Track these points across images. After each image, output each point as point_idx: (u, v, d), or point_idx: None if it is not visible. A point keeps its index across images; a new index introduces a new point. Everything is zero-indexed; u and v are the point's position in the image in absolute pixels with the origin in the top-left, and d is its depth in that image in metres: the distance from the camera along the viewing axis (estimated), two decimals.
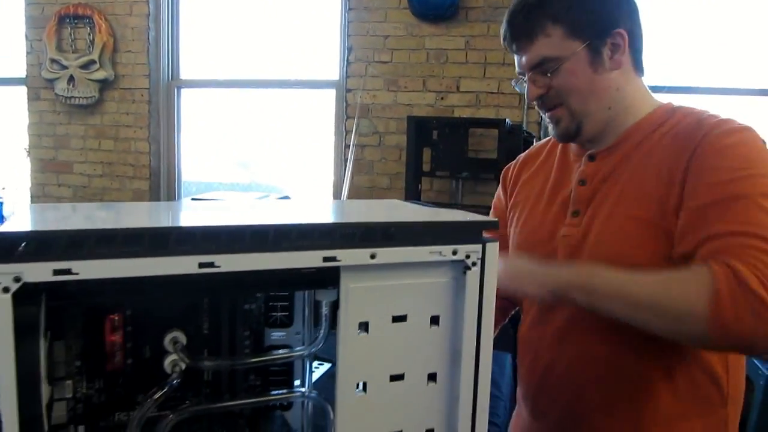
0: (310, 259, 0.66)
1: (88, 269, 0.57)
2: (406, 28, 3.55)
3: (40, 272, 0.56)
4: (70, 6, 3.98)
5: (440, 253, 0.71)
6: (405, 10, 3.49)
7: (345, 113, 3.73)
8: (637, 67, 1.10)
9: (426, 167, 3.39)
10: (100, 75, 3.98)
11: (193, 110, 4.20)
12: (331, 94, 3.83)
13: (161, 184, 4.21)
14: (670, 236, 0.96)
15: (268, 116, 4.11)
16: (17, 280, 0.55)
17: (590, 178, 1.09)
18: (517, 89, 1.13)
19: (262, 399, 0.83)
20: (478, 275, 0.74)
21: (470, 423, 0.78)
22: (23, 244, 0.56)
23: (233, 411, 0.87)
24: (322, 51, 3.86)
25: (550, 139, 1.27)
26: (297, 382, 0.90)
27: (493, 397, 1.62)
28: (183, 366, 0.75)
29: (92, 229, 0.58)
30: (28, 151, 4.18)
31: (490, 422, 1.23)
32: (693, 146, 0.97)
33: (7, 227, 0.57)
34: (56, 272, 0.56)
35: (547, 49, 1.03)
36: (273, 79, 3.99)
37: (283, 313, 0.89)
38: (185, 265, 0.61)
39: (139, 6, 3.94)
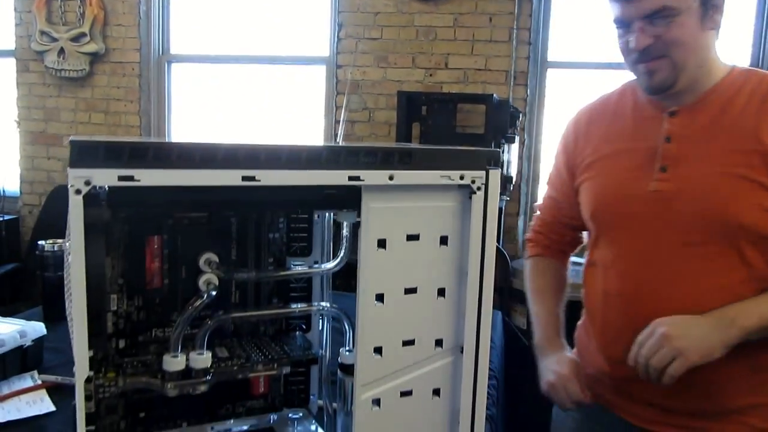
0: (337, 177, 0.74)
1: (148, 177, 0.65)
2: (395, 5, 3.61)
3: (106, 177, 0.64)
4: None
5: (449, 177, 0.80)
6: None
7: (335, 89, 3.79)
8: (718, 35, 1.17)
9: (415, 142, 3.48)
10: (90, 48, 4.00)
11: (184, 85, 4.23)
12: (321, 70, 3.89)
13: None
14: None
15: (258, 92, 4.15)
16: (87, 183, 0.63)
17: (676, 135, 1.15)
18: (619, 43, 1.17)
19: (288, 309, 0.92)
20: (482, 199, 0.83)
21: (475, 334, 0.87)
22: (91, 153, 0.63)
23: (258, 331, 0.96)
24: (313, 27, 3.90)
25: (611, 96, 1.32)
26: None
27: None
28: (216, 282, 0.83)
29: (152, 142, 0.66)
30: (18, 123, 4.18)
31: None
32: None
33: (77, 139, 0.64)
34: (120, 178, 0.64)
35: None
36: (263, 55, 4.03)
37: (303, 244, 0.98)
38: (230, 177, 0.69)
39: None
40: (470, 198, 0.83)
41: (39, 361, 1.45)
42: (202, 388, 0.79)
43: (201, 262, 0.85)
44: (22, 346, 1.40)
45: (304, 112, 4.04)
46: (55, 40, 4.00)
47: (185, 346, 0.81)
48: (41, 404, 1.28)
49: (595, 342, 1.28)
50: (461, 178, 0.81)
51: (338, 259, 0.87)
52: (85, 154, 0.63)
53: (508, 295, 3.10)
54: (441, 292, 0.86)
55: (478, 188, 0.82)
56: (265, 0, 3.99)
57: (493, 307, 0.88)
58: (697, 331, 1.05)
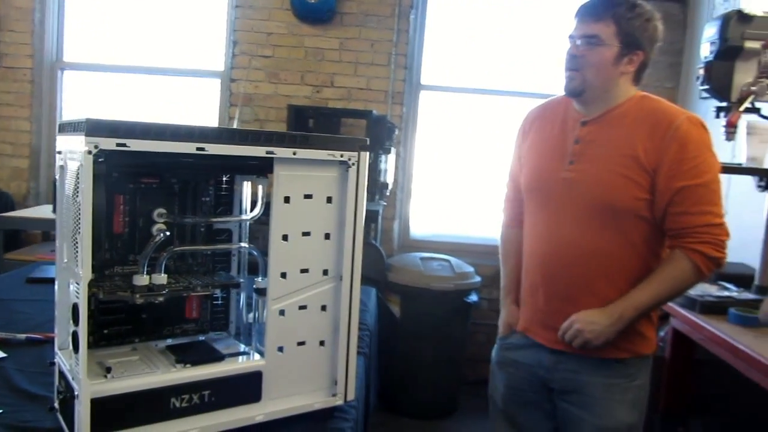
0: (258, 151, 1.11)
1: (136, 144, 0.99)
2: (287, 27, 3.98)
3: (109, 144, 0.97)
4: None
5: (333, 155, 1.19)
6: (287, 11, 3.93)
7: (229, 101, 4.09)
8: (636, 79, 1.62)
9: None
10: None
11: (78, 93, 4.34)
12: (216, 83, 4.17)
13: (41, 163, 4.31)
14: (639, 184, 1.51)
15: (152, 102, 4.34)
16: (96, 147, 0.96)
17: (582, 139, 1.61)
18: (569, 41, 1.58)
19: (218, 246, 1.27)
20: (355, 172, 1.23)
21: (350, 268, 1.26)
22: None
23: (193, 271, 1.30)
24: (208, 42, 4.18)
25: (551, 102, 1.76)
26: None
27: (362, 311, 2.12)
28: (166, 228, 1.17)
29: (138, 122, 1.00)
30: None
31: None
32: (665, 129, 1.50)
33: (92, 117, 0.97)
34: (118, 144, 0.97)
35: (601, 32, 1.53)
36: (158, 67, 4.25)
37: (226, 207, 1.33)
38: (189, 147, 1.04)
39: None
40: (347, 171, 1.22)
41: None
42: (161, 298, 1.12)
43: (155, 214, 1.18)
44: None
45: (197, 122, 4.28)
46: None
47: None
48: None
49: (524, 287, 1.75)
50: (341, 156, 1.20)
51: (255, 212, 1.24)
52: (95, 129, 0.96)
53: (385, 287, 3.51)
54: (327, 236, 1.24)
55: (353, 164, 1.22)
56: (162, 14, 4.22)
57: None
58: (598, 325, 1.53)
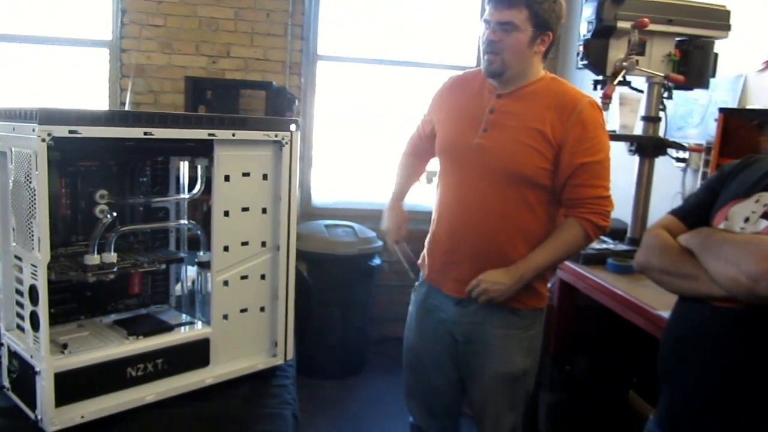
0: (201, 133, 1.18)
1: (87, 131, 1.04)
2: None
3: (61, 131, 1.01)
4: None
5: (268, 135, 1.29)
6: None
7: (120, 72, 3.95)
8: (544, 57, 1.77)
9: None
10: None
11: None
12: (104, 53, 4.01)
13: None
14: (543, 155, 1.68)
15: (36, 73, 4.11)
16: (49, 134, 1.00)
17: (497, 110, 1.74)
18: (483, 37, 1.71)
19: (162, 224, 1.34)
20: (288, 150, 1.33)
21: (286, 239, 1.37)
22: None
23: (134, 248, 1.35)
24: (93, 10, 3.99)
25: (469, 74, 1.89)
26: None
27: None
28: (107, 209, 1.22)
29: (88, 110, 1.04)
30: None
31: None
32: (570, 111, 1.67)
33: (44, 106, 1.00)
34: (70, 132, 1.02)
35: (515, 18, 1.65)
36: (40, 36, 4.02)
37: (161, 186, 1.38)
38: (136, 132, 1.10)
39: None
40: (281, 149, 1.32)
41: None
42: (111, 276, 1.18)
43: (97, 196, 1.23)
44: None
45: (84, 95, 4.11)
46: None
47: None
48: None
49: (433, 240, 1.90)
50: (276, 136, 1.30)
51: (194, 191, 1.31)
52: (48, 117, 1.00)
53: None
54: (264, 210, 1.34)
55: (286, 143, 1.32)
56: None
57: None
58: (502, 285, 1.72)
